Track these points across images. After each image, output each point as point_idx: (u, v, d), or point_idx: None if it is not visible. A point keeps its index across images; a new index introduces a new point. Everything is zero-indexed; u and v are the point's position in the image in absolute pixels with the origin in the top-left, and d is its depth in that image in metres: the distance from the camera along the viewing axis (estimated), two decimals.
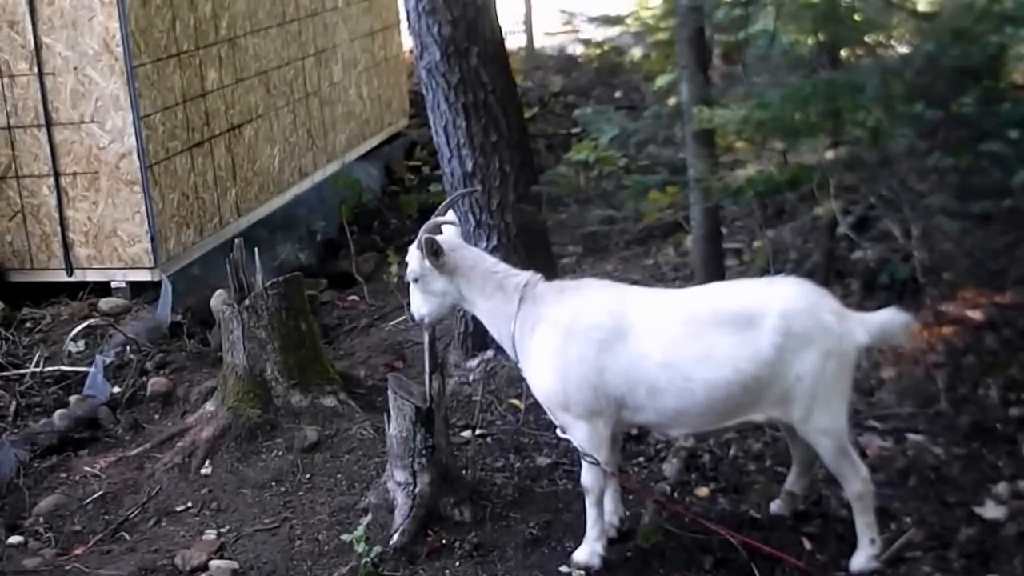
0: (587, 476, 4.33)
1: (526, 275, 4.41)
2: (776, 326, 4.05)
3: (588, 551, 4.38)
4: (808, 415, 4.11)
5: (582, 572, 4.35)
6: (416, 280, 4.45)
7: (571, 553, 4.43)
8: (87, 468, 5.61)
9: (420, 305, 4.51)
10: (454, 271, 4.38)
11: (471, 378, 5.99)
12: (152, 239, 7.33)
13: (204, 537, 4.93)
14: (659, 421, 4.29)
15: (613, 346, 4.16)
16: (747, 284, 4.61)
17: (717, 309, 4.17)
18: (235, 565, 4.64)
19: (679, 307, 4.25)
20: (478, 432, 5.45)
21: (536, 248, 6.06)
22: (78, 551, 4.96)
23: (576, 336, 4.20)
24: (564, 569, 4.39)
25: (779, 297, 4.15)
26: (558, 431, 4.44)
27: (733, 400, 4.12)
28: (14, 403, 6.23)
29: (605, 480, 4.36)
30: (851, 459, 4.20)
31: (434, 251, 4.33)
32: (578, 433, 4.28)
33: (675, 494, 4.86)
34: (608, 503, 4.48)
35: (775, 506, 4.62)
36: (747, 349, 4.05)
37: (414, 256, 4.43)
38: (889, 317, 4.25)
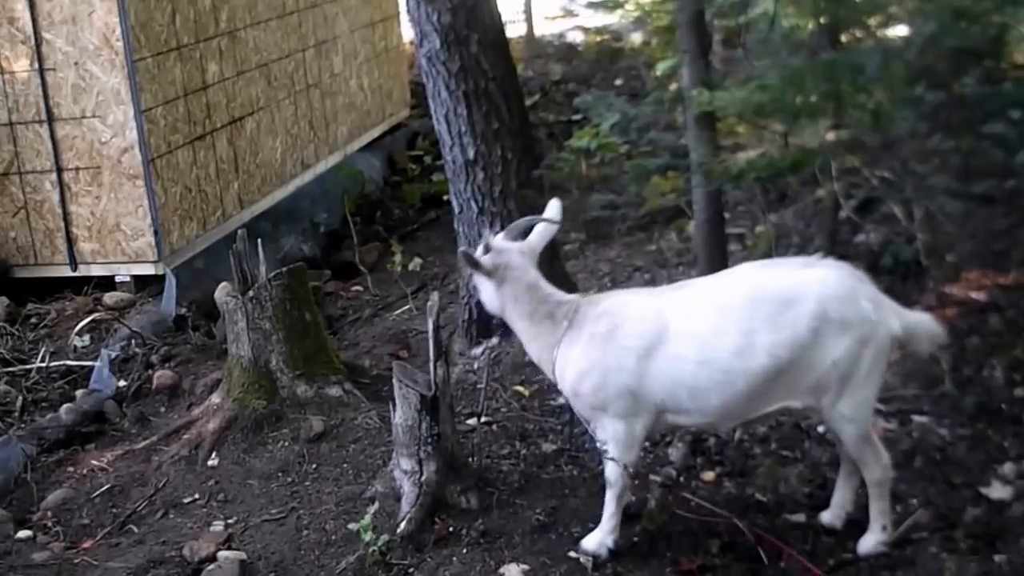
0: (612, 470, 4.28)
1: (573, 300, 4.31)
2: (813, 311, 3.98)
3: (598, 540, 4.36)
4: (837, 401, 4.06)
5: (589, 559, 4.35)
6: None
7: (578, 539, 4.43)
8: (94, 462, 5.63)
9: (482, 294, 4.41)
10: (502, 284, 4.28)
11: (476, 366, 6.00)
12: (155, 233, 7.34)
13: (212, 528, 4.94)
14: (705, 420, 4.22)
15: (651, 353, 4.10)
16: (784, 266, 4.40)
17: (752, 294, 4.09)
18: (243, 556, 4.64)
19: (711, 299, 4.16)
20: (483, 419, 5.45)
21: None
22: (86, 544, 4.98)
23: (614, 347, 4.14)
24: (572, 554, 4.40)
25: (817, 282, 4.06)
26: (598, 440, 4.39)
27: (772, 386, 4.06)
28: (20, 398, 6.25)
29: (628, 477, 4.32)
30: (873, 445, 4.17)
31: (473, 263, 4.25)
32: (611, 431, 4.24)
33: (681, 479, 4.87)
34: None
35: (826, 516, 4.46)
36: (783, 335, 3.99)
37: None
38: (923, 320, 4.21)
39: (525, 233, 4.42)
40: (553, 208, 4.43)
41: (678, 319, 4.13)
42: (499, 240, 4.35)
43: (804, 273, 4.15)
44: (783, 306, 4.02)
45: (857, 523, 4.34)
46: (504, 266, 4.25)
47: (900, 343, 4.20)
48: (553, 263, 6.20)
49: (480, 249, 4.31)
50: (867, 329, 4.03)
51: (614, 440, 4.24)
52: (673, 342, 4.09)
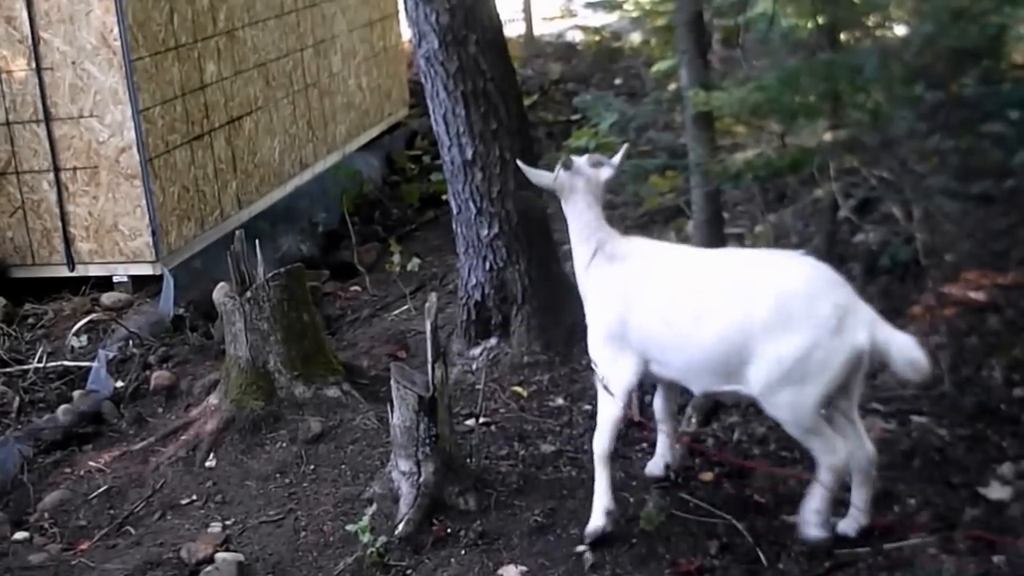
0: (597, 439, 4.47)
1: (608, 233, 4.61)
2: (769, 304, 4.06)
3: (594, 524, 4.45)
4: (772, 390, 4.10)
5: (588, 556, 4.36)
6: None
7: (577, 540, 4.45)
8: (91, 463, 5.62)
9: None
10: (566, 202, 4.67)
11: (474, 367, 5.99)
12: (153, 233, 7.32)
13: (209, 530, 4.94)
14: (677, 376, 4.42)
15: (631, 302, 4.36)
16: (765, 256, 4.64)
17: (731, 272, 4.29)
18: (241, 557, 4.64)
19: (702, 268, 4.39)
20: (482, 420, 5.45)
21: (537, 235, 6.05)
22: (83, 546, 4.97)
23: (609, 287, 4.44)
24: (579, 549, 4.42)
25: (783, 276, 4.15)
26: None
27: (724, 363, 4.17)
28: (17, 399, 6.23)
29: (612, 443, 4.47)
30: (824, 438, 4.14)
31: (527, 177, 4.75)
32: (604, 372, 4.44)
33: (679, 479, 4.86)
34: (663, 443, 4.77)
35: (841, 525, 4.39)
36: (736, 316, 4.11)
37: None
38: (904, 344, 4.03)
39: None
40: (621, 153, 4.75)
41: (664, 277, 4.37)
42: (581, 162, 4.68)
43: (779, 264, 4.29)
44: (747, 289, 4.15)
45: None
46: (570, 187, 4.64)
47: (877, 359, 4.11)
48: (552, 263, 6.21)
49: (559, 166, 4.64)
50: (820, 333, 4.00)
51: (606, 381, 4.43)
52: (652, 296, 4.33)
